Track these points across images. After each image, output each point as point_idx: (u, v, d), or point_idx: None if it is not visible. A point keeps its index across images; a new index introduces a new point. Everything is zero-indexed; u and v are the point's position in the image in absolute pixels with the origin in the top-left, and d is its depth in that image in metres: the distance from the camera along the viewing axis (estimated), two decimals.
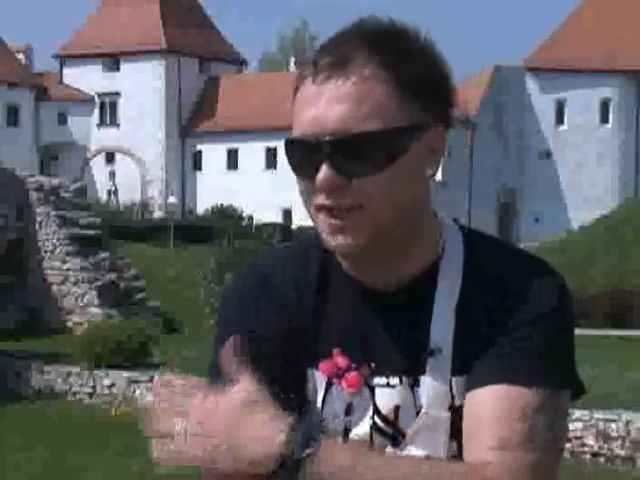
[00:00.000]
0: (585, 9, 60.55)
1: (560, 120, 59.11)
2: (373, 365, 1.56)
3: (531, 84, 59.37)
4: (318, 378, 1.57)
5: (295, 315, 1.60)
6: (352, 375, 1.56)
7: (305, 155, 1.51)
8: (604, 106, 58.45)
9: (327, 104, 1.48)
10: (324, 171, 1.49)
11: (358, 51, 1.50)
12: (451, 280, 1.57)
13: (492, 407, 1.50)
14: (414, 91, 1.51)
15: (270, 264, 1.66)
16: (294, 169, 1.54)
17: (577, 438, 11.75)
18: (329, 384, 1.57)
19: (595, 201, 54.43)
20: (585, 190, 57.50)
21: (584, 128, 58.12)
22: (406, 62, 1.50)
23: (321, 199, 1.50)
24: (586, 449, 11.82)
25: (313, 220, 1.55)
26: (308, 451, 1.40)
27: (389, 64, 1.49)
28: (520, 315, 1.54)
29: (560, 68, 57.56)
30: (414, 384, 1.55)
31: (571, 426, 11.57)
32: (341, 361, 1.57)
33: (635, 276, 27.07)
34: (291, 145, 1.54)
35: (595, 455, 11.83)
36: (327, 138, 1.48)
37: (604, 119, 58.63)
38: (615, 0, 59.71)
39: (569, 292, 1.59)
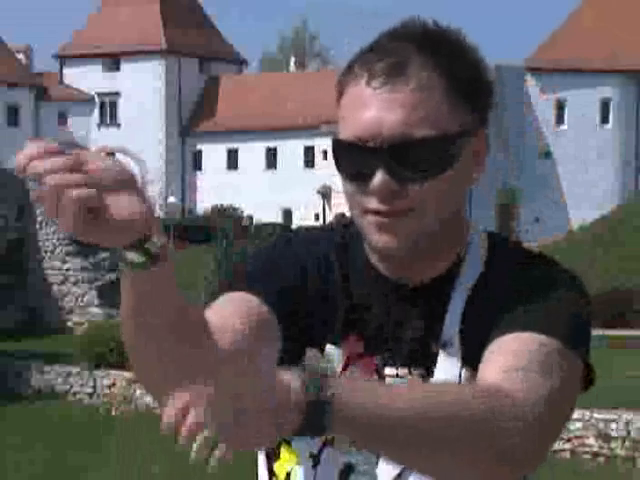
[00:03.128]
0: (585, 9, 60.49)
1: (560, 120, 59.07)
2: (386, 355, 1.58)
3: (531, 84, 59.35)
4: (337, 356, 1.58)
5: (326, 281, 1.60)
6: (365, 361, 1.58)
7: (359, 158, 1.49)
8: (604, 106, 58.40)
9: (385, 108, 1.47)
10: (380, 177, 1.47)
11: (413, 55, 1.49)
12: (470, 278, 1.59)
13: (510, 343, 1.46)
14: (465, 95, 1.51)
15: (297, 238, 1.65)
16: (343, 171, 1.52)
17: (577, 438, 11.74)
18: (345, 366, 1.58)
19: (595, 201, 54.39)
20: (585, 190, 57.44)
21: (584, 128, 58.09)
22: (457, 66, 1.50)
23: (374, 203, 1.49)
24: (586, 449, 11.82)
25: (356, 219, 1.54)
26: (331, 391, 1.24)
27: (443, 69, 1.49)
28: (535, 294, 1.53)
29: (560, 68, 57.50)
30: (427, 375, 1.57)
31: (571, 426, 11.56)
32: (356, 346, 1.58)
33: (635, 276, 27.06)
34: (342, 146, 1.52)
35: (595, 455, 11.83)
36: (386, 143, 1.46)
37: (604, 119, 58.57)
38: (615, 0, 59.70)
39: (585, 289, 1.61)
